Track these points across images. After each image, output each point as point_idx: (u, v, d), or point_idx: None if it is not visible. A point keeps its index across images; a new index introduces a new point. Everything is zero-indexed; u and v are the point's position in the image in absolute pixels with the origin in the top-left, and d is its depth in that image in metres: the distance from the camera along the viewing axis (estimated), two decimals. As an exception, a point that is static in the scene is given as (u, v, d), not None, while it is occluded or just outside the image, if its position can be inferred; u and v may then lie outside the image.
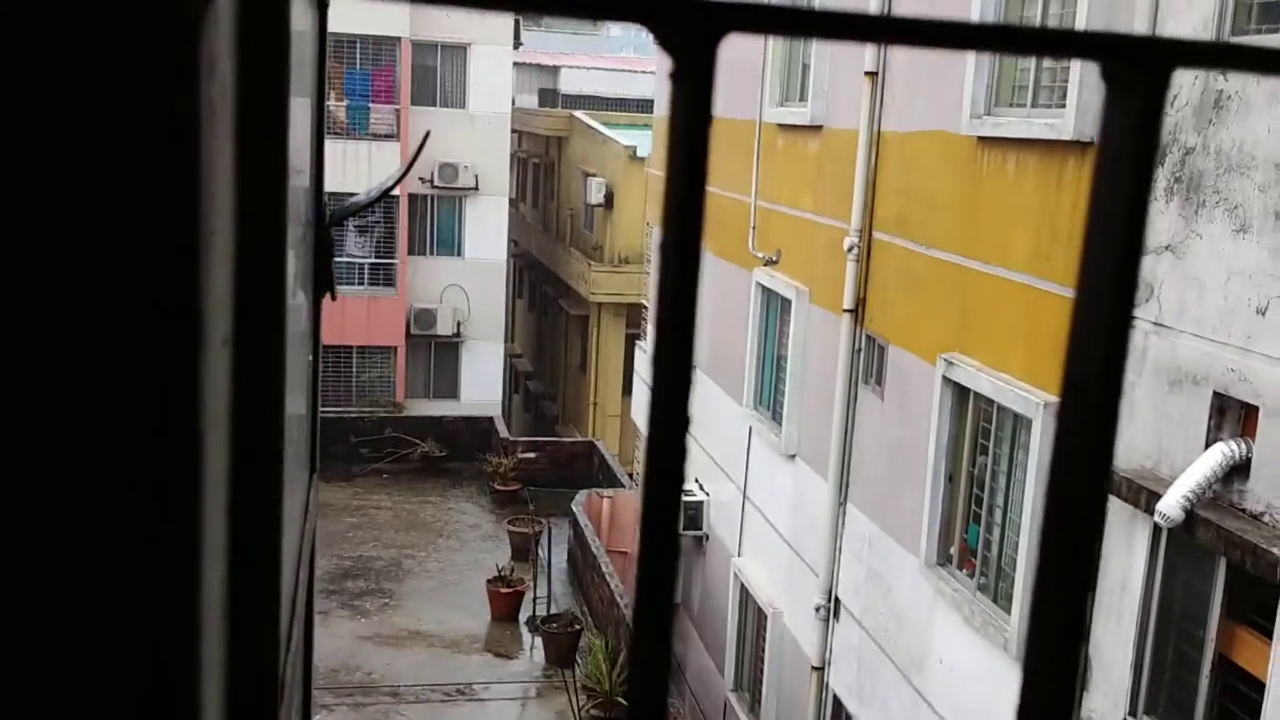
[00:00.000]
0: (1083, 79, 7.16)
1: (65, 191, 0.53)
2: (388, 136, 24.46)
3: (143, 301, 0.55)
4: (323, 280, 1.91)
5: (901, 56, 9.75)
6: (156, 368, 0.56)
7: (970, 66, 8.43)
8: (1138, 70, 0.43)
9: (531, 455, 22.41)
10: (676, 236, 0.40)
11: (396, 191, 24.32)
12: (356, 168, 23.35)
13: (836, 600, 10.73)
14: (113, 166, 0.53)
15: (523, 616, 17.20)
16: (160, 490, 0.58)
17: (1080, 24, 7.21)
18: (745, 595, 12.93)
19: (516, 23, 26.34)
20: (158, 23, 0.51)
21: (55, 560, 0.56)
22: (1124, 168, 0.44)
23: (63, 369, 0.55)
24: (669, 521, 0.42)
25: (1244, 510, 5.95)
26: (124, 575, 0.58)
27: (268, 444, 0.90)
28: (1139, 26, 6.71)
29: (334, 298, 2.00)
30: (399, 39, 24.38)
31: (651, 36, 0.40)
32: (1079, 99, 7.18)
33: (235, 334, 0.78)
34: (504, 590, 17.10)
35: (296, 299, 1.63)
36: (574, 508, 18.75)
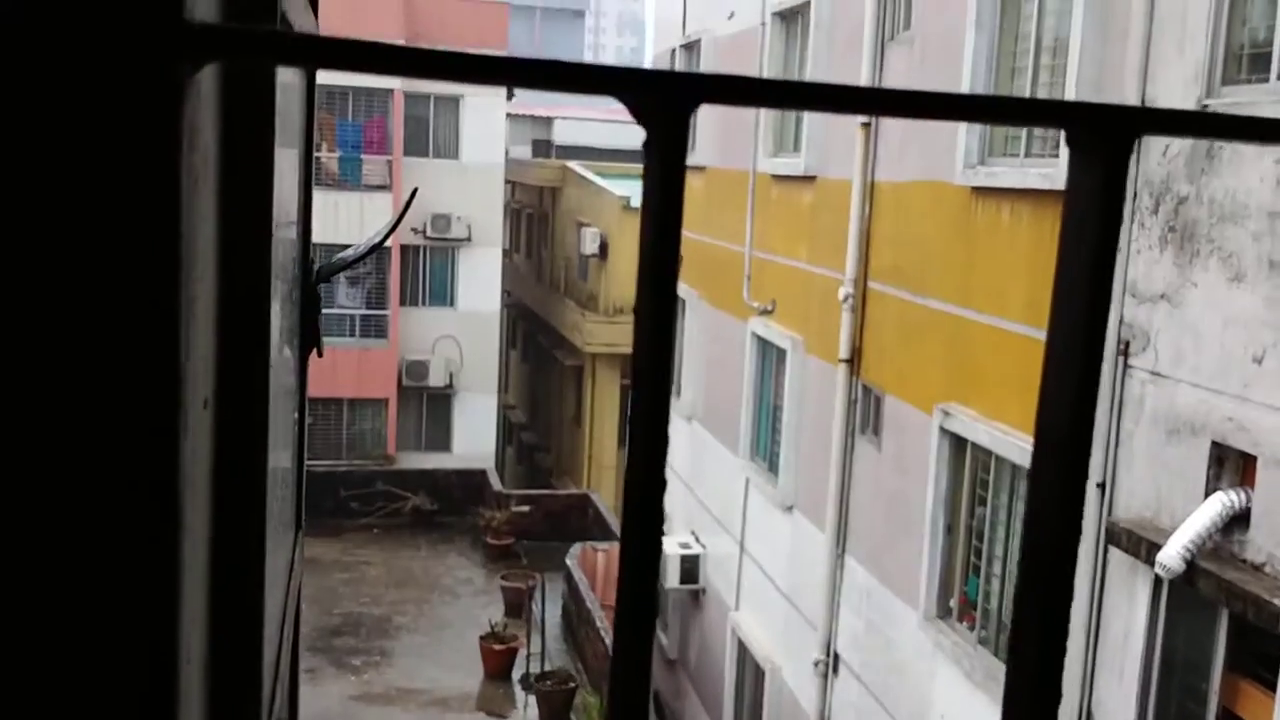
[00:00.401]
0: (1075, 129, 7.19)
1: (45, 256, 0.54)
2: (380, 187, 24.56)
3: (122, 365, 0.55)
4: (309, 336, 1.88)
5: (893, 108, 9.81)
6: (134, 430, 0.56)
7: (962, 117, 8.47)
8: (1102, 138, 0.45)
9: (525, 509, 22.25)
10: (650, 299, 0.42)
11: (389, 243, 24.37)
12: (348, 219, 23.42)
13: (835, 655, 10.59)
14: (94, 234, 0.54)
15: (516, 674, 16.97)
16: (137, 552, 0.58)
17: (1071, 76, 7.26)
18: (743, 650, 12.77)
19: (510, 77, 26.54)
20: (139, 96, 0.52)
21: (29, 619, 0.56)
22: (1089, 232, 0.45)
23: (42, 429, 0.55)
24: (648, 578, 0.43)
25: (1245, 561, 5.89)
26: (99, 636, 0.57)
27: (250, 506, 0.89)
28: (1130, 77, 6.75)
29: (320, 354, 1.96)
30: (391, 90, 24.57)
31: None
32: (1072, 149, 7.20)
33: (217, 396, 0.78)
34: (497, 647, 16.88)
35: (283, 355, 1.60)
36: (568, 562, 18.58)
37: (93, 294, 0.54)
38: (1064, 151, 6.35)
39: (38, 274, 0.53)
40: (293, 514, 1.80)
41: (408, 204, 3.18)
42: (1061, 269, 0.46)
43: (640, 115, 0.40)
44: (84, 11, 0.50)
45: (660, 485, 0.43)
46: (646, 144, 0.40)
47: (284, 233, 1.58)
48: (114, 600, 0.57)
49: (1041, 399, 0.47)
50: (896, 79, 9.78)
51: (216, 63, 0.67)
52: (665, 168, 0.40)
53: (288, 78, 1.49)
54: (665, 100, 0.40)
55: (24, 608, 0.56)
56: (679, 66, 15.27)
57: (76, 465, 0.56)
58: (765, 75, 12.28)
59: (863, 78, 10.04)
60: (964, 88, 8.47)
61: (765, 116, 12.35)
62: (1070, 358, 0.46)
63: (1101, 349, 0.46)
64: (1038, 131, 7.98)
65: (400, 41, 27.86)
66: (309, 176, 1.86)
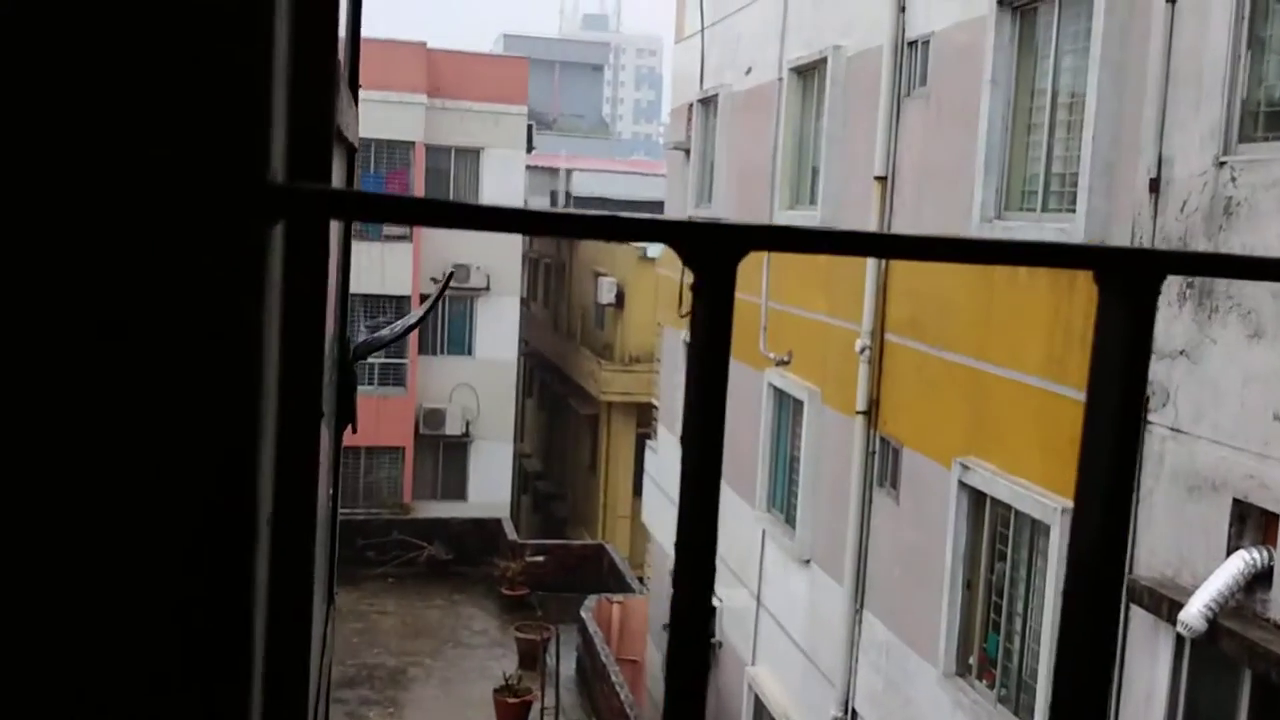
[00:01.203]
0: (1092, 184, 7.22)
1: (146, 380, 0.57)
2: (400, 238, 24.77)
3: (204, 490, 0.59)
4: (345, 414, 1.91)
5: (911, 161, 9.86)
6: (215, 545, 0.59)
7: (980, 170, 8.52)
8: (1130, 279, 0.47)
9: (540, 559, 22.15)
10: (697, 454, 0.43)
11: (408, 292, 24.53)
12: (370, 269, 23.59)
13: (853, 712, 10.46)
14: (183, 376, 0.57)
15: (530, 726, 16.80)
16: (214, 647, 0.60)
17: (1088, 132, 7.29)
18: (760, 707, 12.63)
19: (529, 127, 26.85)
20: (228, 251, 0.56)
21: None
22: (1116, 370, 0.47)
23: (131, 539, 0.58)
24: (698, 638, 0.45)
25: (1268, 620, 5.81)
26: None
27: (297, 630, 0.91)
28: (1146, 134, 6.78)
29: (354, 430, 1.99)
30: (413, 143, 24.84)
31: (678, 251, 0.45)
32: (1089, 203, 7.22)
33: (275, 514, 0.81)
34: (511, 700, 16.74)
35: (321, 434, 1.63)
36: (583, 614, 18.45)
37: (178, 420, 0.57)
38: (1080, 207, 6.36)
39: (136, 392, 0.57)
40: (325, 590, 1.81)
41: (445, 284, 3.24)
42: (1092, 401, 0.47)
43: (691, 261, 0.42)
44: (186, 181, 0.54)
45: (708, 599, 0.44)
46: (695, 287, 0.42)
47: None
48: (189, 681, 0.60)
49: (1076, 519, 0.48)
50: (912, 134, 9.84)
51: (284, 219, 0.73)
52: (714, 309, 0.42)
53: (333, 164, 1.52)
54: (716, 248, 0.42)
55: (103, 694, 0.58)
56: (696, 120, 15.41)
57: (164, 581, 0.58)
58: (781, 130, 12.38)
59: (879, 133, 10.11)
60: (980, 144, 8.52)
61: (781, 168, 12.44)
62: (1098, 505, 0.47)
63: (1131, 482, 0.47)
64: (1054, 186, 8.00)
65: (422, 96, 27.80)
66: (348, 254, 1.89)
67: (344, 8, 2.04)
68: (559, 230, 0.42)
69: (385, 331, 2.77)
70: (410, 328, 2.93)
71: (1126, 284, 0.47)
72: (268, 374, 0.67)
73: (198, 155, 0.54)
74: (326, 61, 0.92)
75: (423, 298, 25.33)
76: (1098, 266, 0.48)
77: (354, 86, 1.98)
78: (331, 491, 1.90)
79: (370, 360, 25.26)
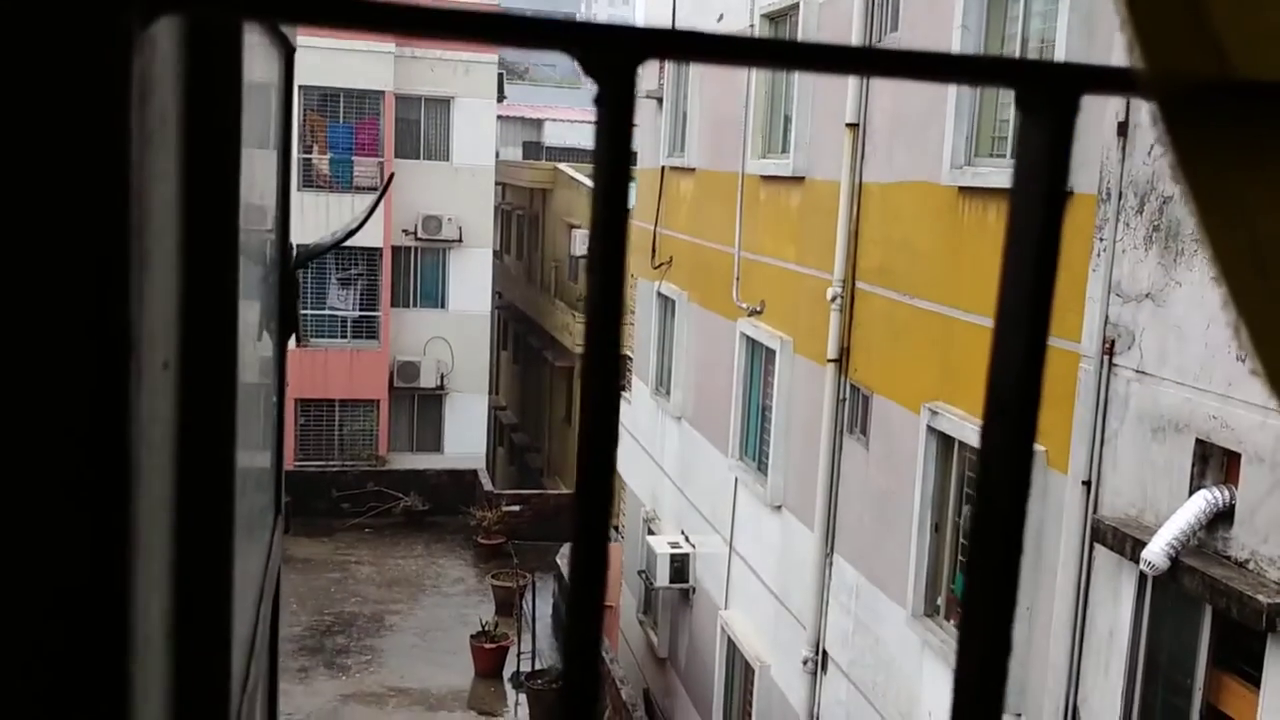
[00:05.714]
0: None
1: None
2: (371, 189, 24.56)
3: (69, 320, 0.54)
4: (288, 322, 1.90)
5: (882, 108, 9.85)
6: (83, 385, 0.55)
7: (950, 117, 8.52)
8: (1047, 96, 0.45)
9: (516, 508, 22.27)
10: (601, 258, 0.42)
11: (380, 244, 24.36)
12: (340, 220, 23.37)
13: (824, 653, 10.63)
14: (35, 187, 0.53)
15: (507, 672, 16.98)
16: (89, 509, 0.56)
17: (1060, 41, 7.27)
18: (732, 649, 12.80)
19: (500, 76, 26.58)
20: (86, 49, 0.52)
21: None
22: (1036, 193, 0.45)
23: None
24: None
25: (1229, 557, 5.93)
26: (47, 604, 0.55)
27: (218, 466, 0.88)
28: (1119, 41, 6.78)
29: (299, 342, 1.98)
30: (383, 93, 24.56)
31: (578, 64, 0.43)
32: (1057, 149, 7.24)
33: (181, 359, 0.78)
34: (488, 646, 16.90)
35: (262, 341, 1.62)
36: (559, 561, 18.61)
37: (37, 242, 0.53)
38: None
39: None
40: (271, 498, 1.81)
41: (386, 185, 3.23)
42: (1012, 227, 0.46)
43: (590, 69, 0.41)
44: None
45: (612, 445, 0.44)
46: (597, 98, 0.41)
47: (262, 217, 1.59)
48: (63, 559, 0.55)
49: (991, 370, 0.47)
50: (884, 82, 9.81)
51: (170, 15, 0.66)
52: (614, 119, 0.41)
53: (265, 74, 1.50)
54: (614, 54, 0.41)
55: None
56: (668, 69, 15.30)
57: (27, 416, 0.54)
58: (754, 78, 12.32)
59: (850, 80, 10.08)
60: (950, 90, 8.51)
61: (754, 118, 12.39)
62: (1019, 329, 0.45)
63: (1048, 320, 0.45)
64: (1024, 132, 8.01)
65: (391, 45, 27.30)
66: (288, 169, 1.88)
67: None
68: (437, 32, 0.41)
69: (326, 237, 2.78)
70: (351, 232, 2.94)
71: (1045, 101, 0.45)
72: (151, 192, 0.60)
73: None
74: None
75: (395, 250, 25.18)
76: (1017, 82, 0.45)
77: None
78: (276, 399, 1.89)
79: (343, 313, 25.13)
